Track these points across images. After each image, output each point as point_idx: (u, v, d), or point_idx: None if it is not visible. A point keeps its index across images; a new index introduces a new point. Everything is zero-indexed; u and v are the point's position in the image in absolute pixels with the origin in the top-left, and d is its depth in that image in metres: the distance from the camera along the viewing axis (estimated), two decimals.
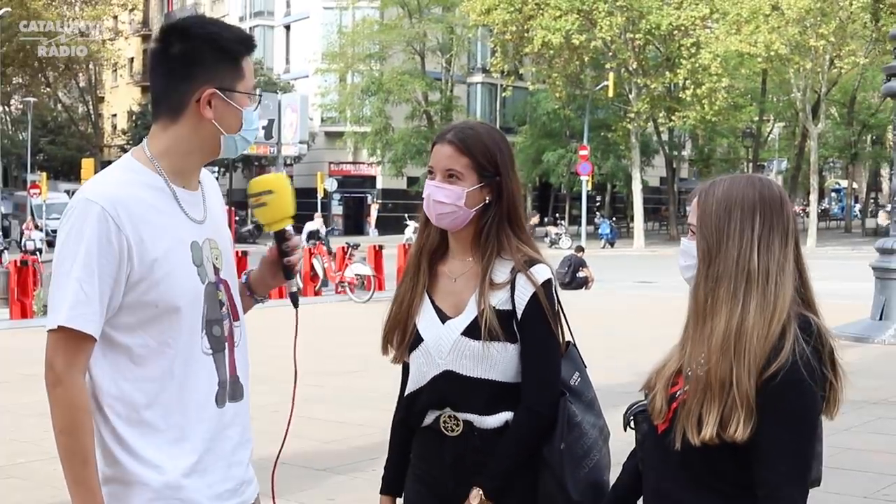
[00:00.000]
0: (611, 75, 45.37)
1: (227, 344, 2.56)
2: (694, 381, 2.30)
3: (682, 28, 44.87)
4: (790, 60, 44.65)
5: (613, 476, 2.75)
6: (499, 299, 2.74)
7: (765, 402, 2.23)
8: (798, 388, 2.23)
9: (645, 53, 47.90)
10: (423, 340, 2.82)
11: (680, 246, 2.50)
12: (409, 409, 2.88)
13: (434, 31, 54.39)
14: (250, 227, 47.42)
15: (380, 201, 57.77)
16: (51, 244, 38.89)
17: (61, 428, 2.37)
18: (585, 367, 2.90)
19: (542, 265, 2.78)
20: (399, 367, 2.97)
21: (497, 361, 2.74)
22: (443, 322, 2.80)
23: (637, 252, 44.85)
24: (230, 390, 2.55)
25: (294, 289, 2.72)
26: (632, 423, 2.55)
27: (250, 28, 67.92)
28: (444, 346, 2.77)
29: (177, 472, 2.44)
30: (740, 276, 2.30)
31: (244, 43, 2.52)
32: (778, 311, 2.28)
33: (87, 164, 50.69)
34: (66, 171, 66.94)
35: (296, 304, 2.70)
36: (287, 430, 2.72)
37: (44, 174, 49.00)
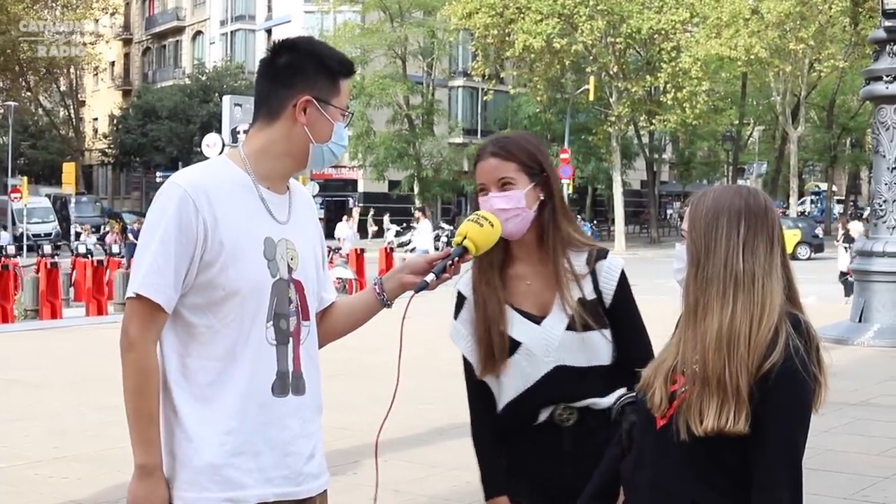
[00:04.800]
0: (591, 79, 45.40)
1: (292, 339, 2.69)
2: (691, 378, 2.41)
3: (663, 32, 44.97)
4: (770, 64, 44.88)
5: None
6: (585, 290, 2.93)
7: (763, 396, 2.34)
8: (793, 379, 2.35)
9: (626, 57, 48.00)
10: (520, 344, 2.92)
11: (674, 251, 2.60)
12: (518, 411, 2.95)
13: (415, 35, 54.35)
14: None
15: (361, 205, 57.67)
16: (30, 248, 38.67)
17: (132, 390, 2.57)
18: None
19: (612, 254, 3.03)
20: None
21: (599, 347, 2.93)
22: (537, 323, 2.93)
23: (618, 255, 44.66)
24: (292, 383, 2.69)
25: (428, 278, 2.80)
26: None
27: (231, 32, 67.91)
28: (552, 344, 2.91)
29: (223, 451, 2.58)
30: (729, 279, 2.41)
31: (344, 65, 2.75)
32: (767, 311, 2.39)
33: (69, 168, 50.34)
34: (48, 176, 66.60)
35: (417, 291, 2.78)
36: (390, 408, 2.75)
37: (25, 178, 48.59)
